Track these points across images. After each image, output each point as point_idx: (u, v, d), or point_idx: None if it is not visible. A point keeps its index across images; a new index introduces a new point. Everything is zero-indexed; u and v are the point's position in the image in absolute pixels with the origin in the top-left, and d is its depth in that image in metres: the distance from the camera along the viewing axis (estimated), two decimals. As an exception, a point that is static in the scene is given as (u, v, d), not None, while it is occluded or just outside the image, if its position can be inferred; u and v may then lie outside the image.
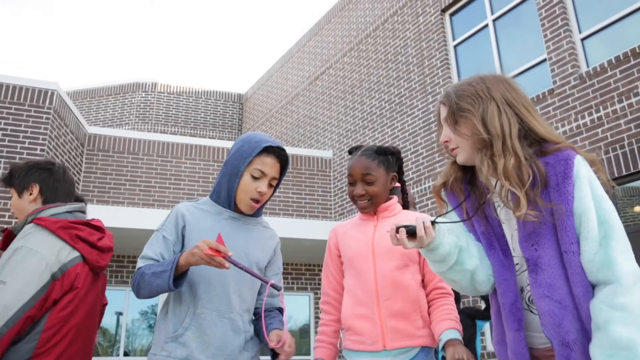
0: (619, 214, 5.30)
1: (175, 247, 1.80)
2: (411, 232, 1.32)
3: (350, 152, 2.07)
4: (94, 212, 6.14)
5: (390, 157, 1.99)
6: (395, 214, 1.99)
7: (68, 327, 1.73)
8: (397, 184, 2.08)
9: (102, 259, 1.88)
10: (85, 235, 1.83)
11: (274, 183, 1.86)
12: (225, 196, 1.85)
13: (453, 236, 1.39)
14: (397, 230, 1.34)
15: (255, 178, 1.81)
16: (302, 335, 9.55)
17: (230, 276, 1.77)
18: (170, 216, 1.84)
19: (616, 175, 5.24)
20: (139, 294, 1.74)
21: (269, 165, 1.82)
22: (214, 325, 1.72)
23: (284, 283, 9.43)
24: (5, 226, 1.99)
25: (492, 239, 1.42)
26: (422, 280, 1.94)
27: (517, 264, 1.41)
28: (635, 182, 5.23)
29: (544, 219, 1.30)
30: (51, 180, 1.96)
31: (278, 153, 1.85)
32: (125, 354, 8.54)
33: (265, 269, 1.91)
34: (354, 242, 1.96)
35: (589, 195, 1.28)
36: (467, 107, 1.37)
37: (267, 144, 1.81)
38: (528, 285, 1.38)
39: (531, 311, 1.38)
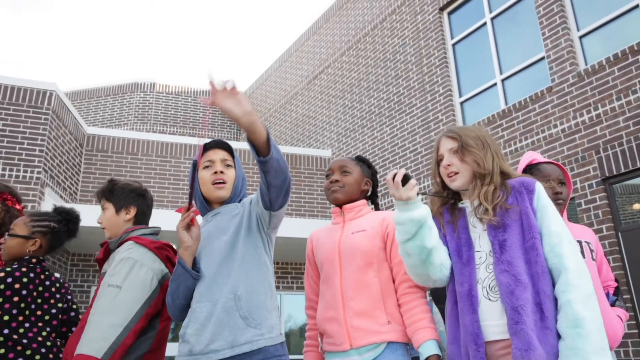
0: (618, 211, 5.31)
1: None
2: (406, 178, 1.69)
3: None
4: (93, 212, 6.13)
5: (366, 165, 2.20)
6: (363, 215, 2.10)
7: (167, 330, 2.07)
8: (369, 188, 2.23)
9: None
10: (171, 257, 2.11)
11: (229, 163, 2.01)
12: (201, 201, 2.02)
13: (426, 212, 1.75)
14: (394, 177, 1.68)
15: (207, 168, 1.99)
16: (302, 335, 9.56)
17: (215, 265, 1.85)
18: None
19: (614, 172, 5.25)
20: (174, 308, 1.91)
21: (211, 154, 2.00)
22: (207, 314, 1.77)
23: (283, 282, 9.44)
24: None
25: (460, 243, 1.79)
26: (392, 272, 1.99)
27: (481, 257, 1.74)
28: (634, 180, 5.23)
29: (510, 214, 1.74)
30: (145, 206, 2.25)
31: (218, 144, 2.02)
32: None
33: (255, 206, 1.93)
34: (323, 247, 2.08)
35: (547, 205, 1.76)
36: (474, 146, 1.84)
37: (203, 143, 2.01)
38: (487, 276, 1.70)
39: (489, 299, 1.67)
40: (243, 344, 1.72)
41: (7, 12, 36.16)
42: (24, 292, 2.18)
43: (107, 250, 2.17)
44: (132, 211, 2.21)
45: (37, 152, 6.86)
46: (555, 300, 1.62)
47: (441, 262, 1.77)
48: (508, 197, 1.77)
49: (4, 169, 6.71)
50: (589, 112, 5.59)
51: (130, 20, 36.97)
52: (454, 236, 1.82)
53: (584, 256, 2.15)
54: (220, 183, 1.96)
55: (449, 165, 1.85)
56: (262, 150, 1.65)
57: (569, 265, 1.63)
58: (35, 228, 2.35)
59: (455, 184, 1.85)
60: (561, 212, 2.24)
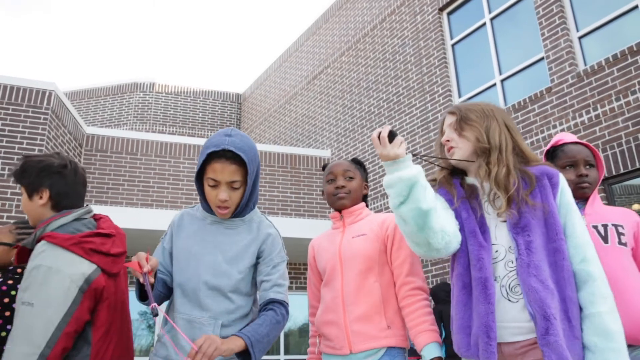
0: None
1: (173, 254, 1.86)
2: (392, 135, 1.56)
3: (324, 168, 2.23)
4: (93, 212, 6.13)
5: (362, 168, 2.17)
6: (362, 218, 2.08)
7: (110, 335, 1.76)
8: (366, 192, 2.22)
9: (115, 263, 1.84)
10: (97, 247, 1.77)
11: (237, 186, 1.75)
12: (204, 202, 1.85)
13: (418, 170, 1.57)
14: (380, 134, 1.56)
15: (212, 187, 1.76)
16: (301, 334, 9.56)
17: (202, 280, 1.76)
18: (170, 225, 1.92)
19: (614, 173, 5.25)
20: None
21: (219, 171, 1.72)
22: (185, 331, 1.71)
23: (283, 282, 9.43)
24: (11, 222, 2.00)
25: (474, 225, 1.63)
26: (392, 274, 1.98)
27: (497, 251, 1.60)
28: (633, 180, 5.24)
29: (533, 210, 1.57)
30: (62, 185, 1.86)
31: (226, 156, 1.71)
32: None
33: (258, 266, 1.83)
34: (325, 254, 2.07)
35: (571, 202, 1.62)
36: (474, 119, 1.68)
37: (210, 150, 1.70)
38: (507, 275, 1.56)
39: (509, 299, 1.54)
40: None
41: (6, 12, 36.15)
42: (14, 305, 1.97)
43: (26, 252, 1.81)
44: (45, 195, 1.83)
45: (36, 152, 6.85)
46: (579, 307, 1.53)
47: (442, 227, 1.59)
48: (532, 190, 1.61)
49: (3, 169, 6.71)
50: (588, 112, 5.59)
51: (130, 20, 36.97)
52: (470, 214, 1.65)
53: (606, 241, 1.99)
54: (224, 209, 1.80)
55: (447, 140, 1.73)
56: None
57: (597, 274, 1.53)
58: (20, 236, 2.22)
59: (455, 155, 1.72)
60: (587, 196, 2.09)
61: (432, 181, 1.77)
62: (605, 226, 2.03)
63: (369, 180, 2.27)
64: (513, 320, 1.53)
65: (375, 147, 1.59)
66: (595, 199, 2.13)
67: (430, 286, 6.63)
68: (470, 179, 1.72)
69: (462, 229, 1.65)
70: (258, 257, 1.83)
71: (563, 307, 1.50)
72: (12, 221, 6.40)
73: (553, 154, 2.19)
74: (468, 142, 1.68)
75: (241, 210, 1.83)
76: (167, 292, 1.86)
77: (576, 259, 1.55)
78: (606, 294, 1.51)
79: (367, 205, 2.24)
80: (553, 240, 1.56)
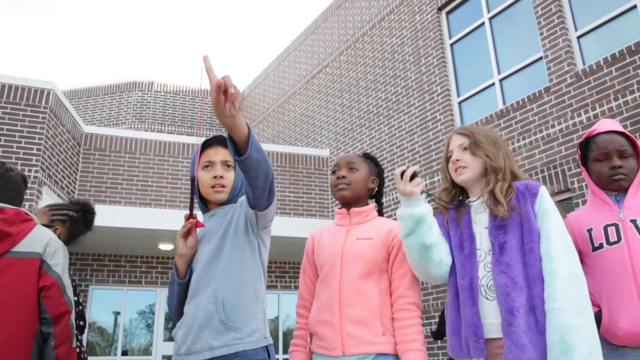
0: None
1: None
2: (414, 176, 1.76)
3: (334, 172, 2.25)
4: (91, 211, 6.13)
5: (373, 163, 2.16)
6: (369, 220, 2.06)
7: None
8: (376, 187, 2.18)
9: None
10: None
11: (231, 164, 1.95)
12: (199, 201, 1.99)
13: (427, 210, 1.79)
14: (403, 174, 1.76)
15: (206, 169, 1.93)
16: (300, 333, 9.56)
17: (201, 268, 1.85)
18: None
19: (612, 172, 5.25)
20: (171, 308, 1.94)
21: (212, 153, 1.94)
22: (192, 316, 1.79)
23: (281, 281, 9.44)
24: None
25: (462, 238, 1.84)
26: (390, 285, 1.96)
27: (480, 255, 1.79)
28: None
29: (512, 216, 1.77)
30: None
31: (219, 141, 1.95)
32: (124, 353, 8.53)
33: (238, 224, 1.87)
34: (326, 249, 2.04)
35: (549, 209, 1.78)
36: (485, 145, 1.89)
37: (204, 140, 1.95)
38: (485, 275, 1.74)
39: (487, 298, 1.71)
40: (221, 347, 1.72)
41: (5, 11, 36.08)
42: None
43: None
44: None
45: (34, 151, 6.84)
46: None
47: (441, 259, 1.82)
48: (511, 198, 1.80)
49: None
50: (586, 112, 5.60)
51: (129, 19, 36.93)
52: (457, 231, 1.87)
53: (620, 239, 1.91)
54: (220, 187, 1.92)
55: (457, 160, 1.91)
56: (242, 148, 1.62)
57: (559, 272, 1.62)
58: (54, 216, 2.30)
59: (461, 177, 1.90)
60: (625, 188, 1.99)
61: (435, 209, 1.99)
62: (616, 224, 1.95)
63: (383, 174, 2.26)
64: (490, 317, 1.68)
65: (396, 182, 1.79)
66: (639, 191, 2.00)
67: (429, 303, 6.63)
68: (471, 199, 1.91)
69: (450, 245, 1.88)
70: (239, 214, 1.89)
71: (531, 303, 1.64)
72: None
73: (587, 146, 2.09)
74: (479, 164, 1.88)
75: (233, 196, 1.95)
76: None
77: (545, 258, 1.68)
78: (567, 292, 1.59)
79: (380, 201, 2.21)
80: (527, 242, 1.72)
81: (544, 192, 1.81)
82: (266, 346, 1.78)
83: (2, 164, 1.95)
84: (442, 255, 1.83)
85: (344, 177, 2.05)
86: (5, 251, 1.78)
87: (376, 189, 2.16)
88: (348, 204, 2.08)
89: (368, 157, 2.16)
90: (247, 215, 1.87)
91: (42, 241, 1.85)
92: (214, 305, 1.75)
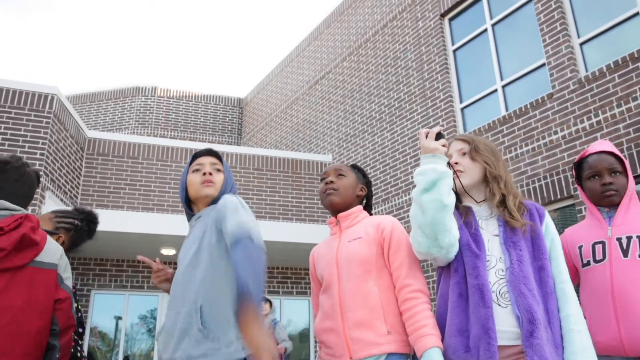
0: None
1: None
2: (439, 135, 1.80)
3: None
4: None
5: (361, 174, 2.20)
6: (359, 222, 2.07)
7: None
8: (363, 193, 2.21)
9: None
10: None
11: (219, 168, 2.00)
12: (186, 209, 2.02)
13: (450, 171, 1.79)
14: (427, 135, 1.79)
15: (196, 172, 1.98)
16: (302, 339, 9.54)
17: (181, 274, 1.85)
18: None
19: (615, 179, 5.24)
20: None
21: (202, 160, 2.00)
22: (173, 324, 1.78)
23: (283, 287, 9.42)
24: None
25: (471, 240, 1.82)
26: (391, 277, 1.93)
27: (489, 260, 1.78)
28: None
29: (523, 234, 1.81)
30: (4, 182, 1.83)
31: (208, 152, 2.04)
32: (126, 359, 8.52)
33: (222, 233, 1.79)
34: (322, 260, 2.05)
35: (556, 237, 1.87)
36: (485, 152, 1.91)
37: (195, 153, 2.05)
38: (497, 282, 1.73)
39: (499, 304, 1.69)
40: (198, 357, 1.68)
41: (9, 16, 36.29)
42: None
43: None
44: None
45: (38, 156, 6.87)
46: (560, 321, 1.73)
47: (452, 228, 1.75)
48: (523, 213, 1.86)
49: (4, 172, 6.72)
50: (589, 118, 5.60)
51: (132, 25, 37.09)
52: (465, 231, 1.84)
53: (626, 254, 1.99)
54: (209, 183, 1.94)
55: (456, 163, 1.92)
56: None
57: (572, 295, 1.77)
58: (60, 224, 2.28)
59: (463, 180, 1.91)
60: (616, 204, 2.10)
61: None
62: (629, 238, 2.02)
63: (371, 186, 2.26)
64: (502, 324, 1.67)
65: (420, 140, 1.81)
66: (630, 208, 2.10)
67: (432, 291, 6.62)
68: (468, 203, 1.93)
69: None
70: (217, 221, 1.81)
71: (546, 317, 1.69)
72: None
73: (580, 166, 2.24)
74: (477, 170, 1.90)
75: (222, 195, 1.95)
76: None
77: (557, 279, 1.78)
78: (582, 315, 1.73)
79: (370, 210, 2.22)
80: (539, 259, 1.78)
81: (549, 219, 1.90)
82: (244, 358, 1.69)
83: (19, 157, 1.92)
84: (454, 225, 1.77)
85: (332, 182, 2.08)
86: (31, 260, 1.76)
87: (364, 199, 2.18)
88: (337, 211, 2.09)
89: (356, 168, 2.21)
90: (220, 228, 1.81)
91: (57, 252, 1.85)
92: (193, 313, 1.72)
